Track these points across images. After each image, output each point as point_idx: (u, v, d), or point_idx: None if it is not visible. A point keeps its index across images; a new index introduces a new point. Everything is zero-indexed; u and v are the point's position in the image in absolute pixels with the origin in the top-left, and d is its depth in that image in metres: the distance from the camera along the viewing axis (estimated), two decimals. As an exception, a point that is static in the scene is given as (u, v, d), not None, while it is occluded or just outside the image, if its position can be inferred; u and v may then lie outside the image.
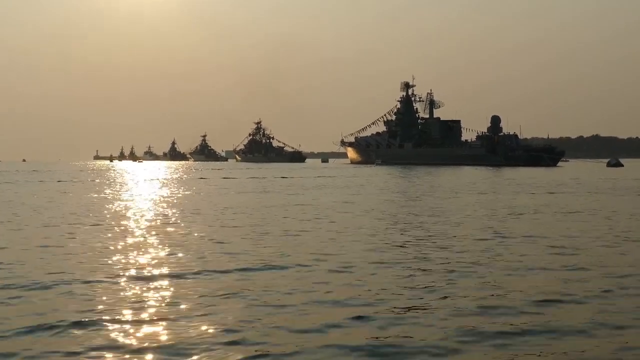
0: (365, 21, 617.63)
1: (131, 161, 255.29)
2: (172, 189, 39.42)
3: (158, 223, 18.78)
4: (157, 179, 57.76)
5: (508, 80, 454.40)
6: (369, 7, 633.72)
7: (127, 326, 7.63)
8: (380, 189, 38.69)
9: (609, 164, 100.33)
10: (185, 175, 68.72)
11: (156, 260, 11.89)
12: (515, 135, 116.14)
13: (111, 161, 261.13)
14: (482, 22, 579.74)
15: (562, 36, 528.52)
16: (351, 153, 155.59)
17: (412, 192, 35.06)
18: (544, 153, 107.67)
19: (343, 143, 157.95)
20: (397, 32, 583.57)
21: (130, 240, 14.74)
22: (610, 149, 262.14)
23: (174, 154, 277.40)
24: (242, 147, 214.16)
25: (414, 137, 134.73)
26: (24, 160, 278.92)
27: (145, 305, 8.58)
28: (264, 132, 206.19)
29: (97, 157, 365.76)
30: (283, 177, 58.62)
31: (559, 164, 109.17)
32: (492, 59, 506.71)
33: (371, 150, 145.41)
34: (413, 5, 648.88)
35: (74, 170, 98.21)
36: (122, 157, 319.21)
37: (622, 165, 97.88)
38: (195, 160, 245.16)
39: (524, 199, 29.34)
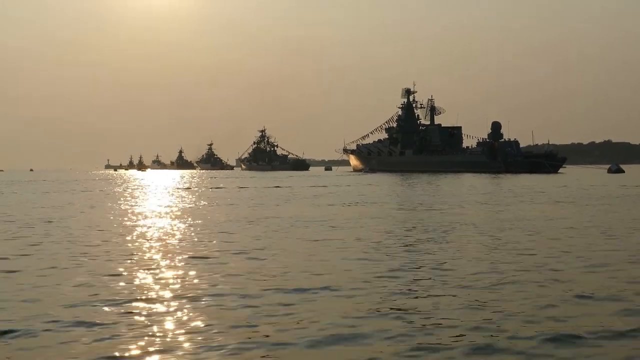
0: (368, 28, 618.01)
1: (136, 170, 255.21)
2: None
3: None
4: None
5: (517, 86, 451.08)
6: (372, 15, 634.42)
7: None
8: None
9: (609, 170, 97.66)
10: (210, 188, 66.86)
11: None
12: (516, 142, 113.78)
13: (115, 170, 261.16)
14: (488, 27, 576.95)
15: (573, 41, 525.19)
16: (353, 161, 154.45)
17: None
18: (545, 159, 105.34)
19: (345, 150, 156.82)
20: (400, 38, 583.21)
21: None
22: (622, 155, 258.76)
23: (181, 163, 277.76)
24: (246, 155, 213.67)
25: (414, 144, 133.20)
26: (31, 170, 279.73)
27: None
28: (268, 140, 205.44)
29: (108, 166, 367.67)
30: (312, 186, 56.83)
31: (560, 170, 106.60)
32: (502, 64, 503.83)
33: (372, 157, 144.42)
34: (415, 12, 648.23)
35: (108, 180, 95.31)
36: (131, 166, 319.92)
37: (623, 172, 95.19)
38: (201, 169, 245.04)
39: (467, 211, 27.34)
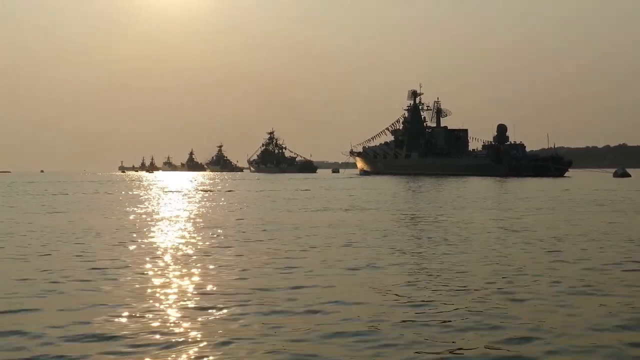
0: (375, 32, 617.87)
1: (145, 172, 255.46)
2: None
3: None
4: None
5: (532, 89, 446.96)
6: (379, 19, 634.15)
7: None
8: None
9: (615, 174, 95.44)
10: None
11: None
12: (522, 145, 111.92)
13: (123, 172, 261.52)
14: (501, 30, 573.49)
15: (586, 46, 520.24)
16: (360, 163, 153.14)
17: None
18: (551, 163, 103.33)
19: (352, 153, 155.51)
20: (408, 41, 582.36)
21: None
22: (638, 158, 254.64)
23: (191, 165, 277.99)
24: (255, 157, 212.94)
25: (420, 146, 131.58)
26: (41, 171, 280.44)
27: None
28: (276, 142, 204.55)
29: (121, 168, 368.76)
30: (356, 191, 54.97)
31: (567, 174, 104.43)
32: (514, 67, 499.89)
33: (378, 160, 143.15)
34: (422, 16, 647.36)
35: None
36: (142, 168, 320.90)
37: (630, 176, 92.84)
38: (211, 171, 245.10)
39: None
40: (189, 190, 56.67)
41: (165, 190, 58.54)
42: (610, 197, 38.32)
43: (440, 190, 50.70)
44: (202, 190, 55.61)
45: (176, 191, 55.29)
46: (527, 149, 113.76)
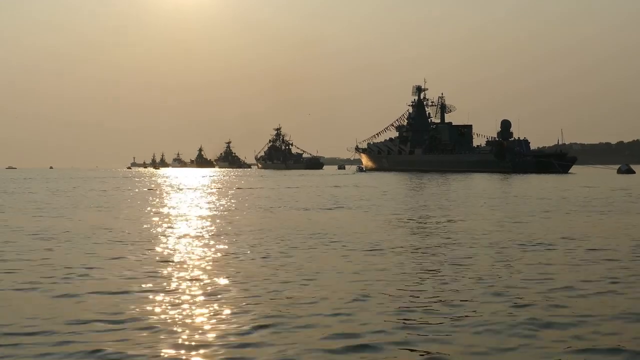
0: (382, 29, 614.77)
1: (152, 168, 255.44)
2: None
3: None
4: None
5: (542, 85, 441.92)
6: (385, 17, 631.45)
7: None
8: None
9: (619, 171, 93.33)
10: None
11: None
12: (526, 141, 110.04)
13: (129, 168, 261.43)
14: (510, 27, 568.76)
15: (600, 41, 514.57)
16: (364, 159, 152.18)
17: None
18: (555, 159, 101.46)
19: (357, 149, 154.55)
20: (413, 38, 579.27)
21: None
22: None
23: (200, 161, 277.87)
24: (262, 153, 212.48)
25: (424, 142, 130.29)
26: (50, 168, 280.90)
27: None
28: (283, 139, 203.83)
29: (133, 164, 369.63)
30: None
31: (571, 170, 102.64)
32: (522, 63, 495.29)
33: (382, 156, 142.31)
34: (427, 14, 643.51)
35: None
36: (152, 164, 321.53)
37: (634, 172, 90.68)
38: (220, 167, 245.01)
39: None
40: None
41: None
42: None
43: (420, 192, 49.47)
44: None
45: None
46: (540, 146, 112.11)
